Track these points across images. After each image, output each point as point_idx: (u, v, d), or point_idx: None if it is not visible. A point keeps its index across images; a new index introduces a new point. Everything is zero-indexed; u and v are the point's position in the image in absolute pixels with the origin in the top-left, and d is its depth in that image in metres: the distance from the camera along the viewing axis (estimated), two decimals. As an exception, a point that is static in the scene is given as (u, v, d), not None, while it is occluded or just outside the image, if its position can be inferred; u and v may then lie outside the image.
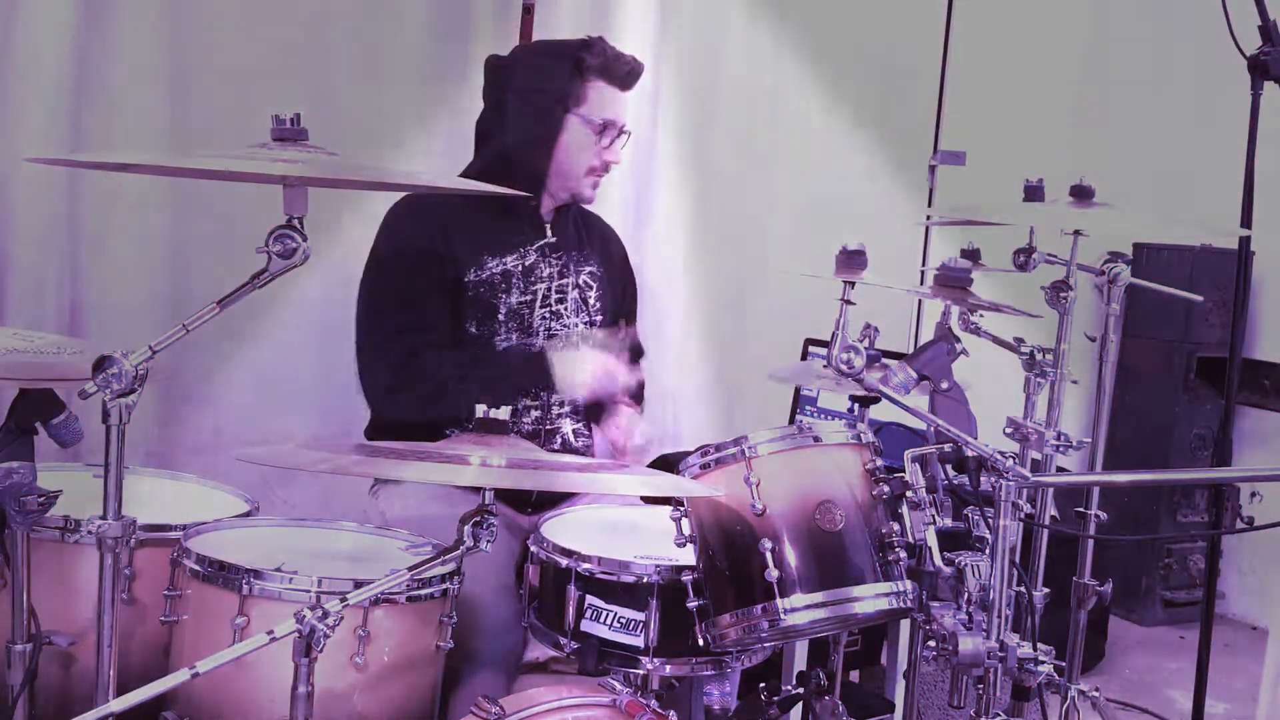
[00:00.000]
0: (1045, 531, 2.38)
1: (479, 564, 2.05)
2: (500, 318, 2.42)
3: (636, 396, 2.73)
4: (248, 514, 2.14)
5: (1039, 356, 2.25)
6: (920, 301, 4.20)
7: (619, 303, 2.67)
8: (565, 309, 2.49)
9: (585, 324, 2.52)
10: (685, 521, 1.88)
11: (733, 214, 4.01)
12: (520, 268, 2.45)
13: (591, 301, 2.54)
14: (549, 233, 2.51)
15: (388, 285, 2.42)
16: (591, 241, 2.62)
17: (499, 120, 2.51)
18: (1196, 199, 3.76)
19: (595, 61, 2.46)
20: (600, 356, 2.46)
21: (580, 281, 2.54)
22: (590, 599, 1.94)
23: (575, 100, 2.45)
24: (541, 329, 2.46)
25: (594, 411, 2.60)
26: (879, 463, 1.87)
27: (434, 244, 2.41)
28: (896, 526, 1.82)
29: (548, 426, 2.46)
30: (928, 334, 2.05)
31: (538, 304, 2.46)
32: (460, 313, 2.41)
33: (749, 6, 3.98)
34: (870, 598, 1.79)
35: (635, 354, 2.80)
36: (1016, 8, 4.63)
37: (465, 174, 2.51)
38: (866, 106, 4.26)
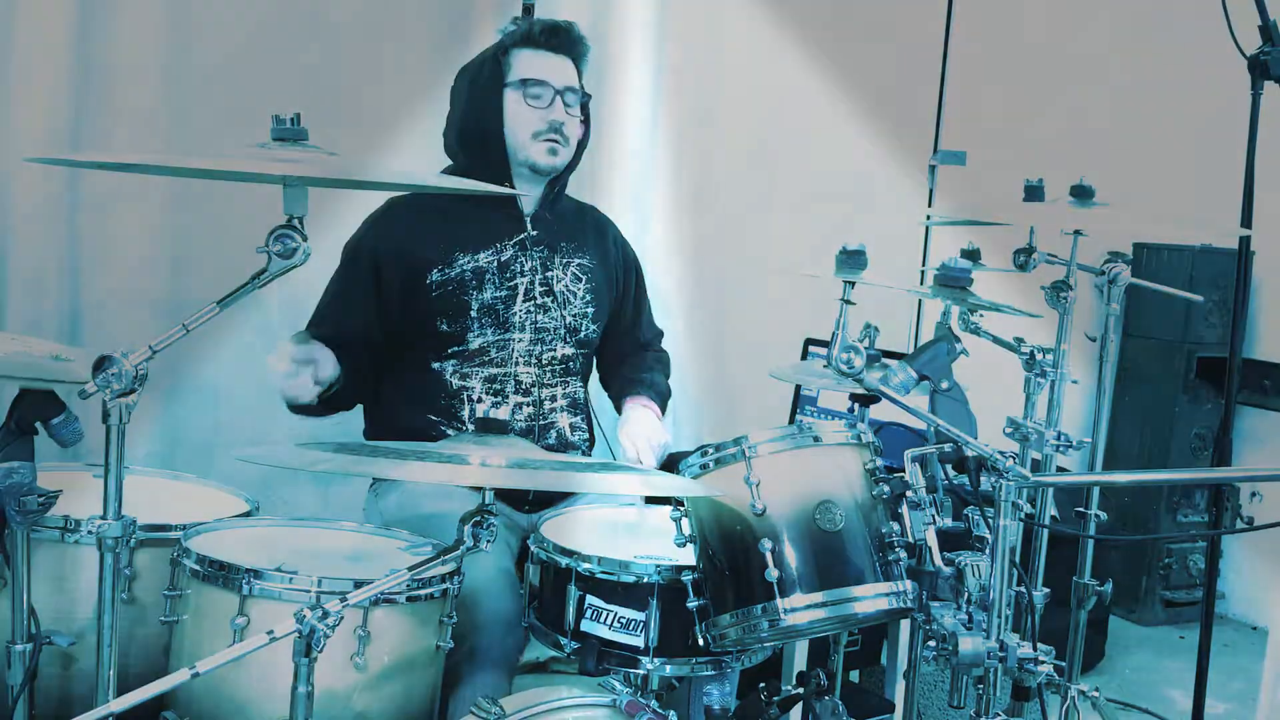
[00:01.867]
0: (1045, 531, 2.38)
1: (479, 563, 2.05)
2: (472, 314, 2.41)
3: (661, 386, 2.70)
4: (248, 514, 2.14)
5: (1039, 356, 2.25)
6: (920, 301, 4.20)
7: (618, 294, 2.66)
8: (552, 302, 2.49)
9: (574, 317, 2.52)
10: (685, 521, 1.88)
11: (733, 214, 4.01)
12: (495, 263, 2.45)
13: (580, 294, 2.54)
14: (529, 226, 2.50)
15: (340, 289, 2.45)
16: (584, 234, 2.61)
17: (457, 119, 2.52)
18: (1196, 199, 3.76)
19: (515, 31, 2.49)
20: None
21: (569, 274, 2.53)
22: (590, 599, 1.94)
23: (505, 74, 2.46)
24: (527, 324, 2.45)
25: (616, 405, 2.60)
26: (879, 463, 1.87)
27: (400, 244, 2.42)
28: (896, 526, 1.82)
29: (541, 422, 2.46)
30: (928, 334, 2.05)
31: (518, 298, 2.45)
32: (428, 312, 2.41)
33: (749, 6, 3.98)
34: (870, 598, 1.79)
35: (650, 340, 2.80)
36: (1016, 7, 4.63)
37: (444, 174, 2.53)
38: (867, 106, 4.25)
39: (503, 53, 2.49)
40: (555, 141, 2.47)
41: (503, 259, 2.45)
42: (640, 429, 2.47)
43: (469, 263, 2.43)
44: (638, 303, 2.74)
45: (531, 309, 2.46)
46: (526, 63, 2.47)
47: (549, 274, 2.49)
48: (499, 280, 2.44)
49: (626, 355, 2.69)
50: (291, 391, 2.20)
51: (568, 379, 2.51)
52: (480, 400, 2.40)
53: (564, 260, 2.53)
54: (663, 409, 2.61)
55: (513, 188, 2.48)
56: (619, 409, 2.59)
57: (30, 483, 1.56)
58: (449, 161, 2.58)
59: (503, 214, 2.48)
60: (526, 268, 2.47)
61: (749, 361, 4.00)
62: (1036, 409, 2.28)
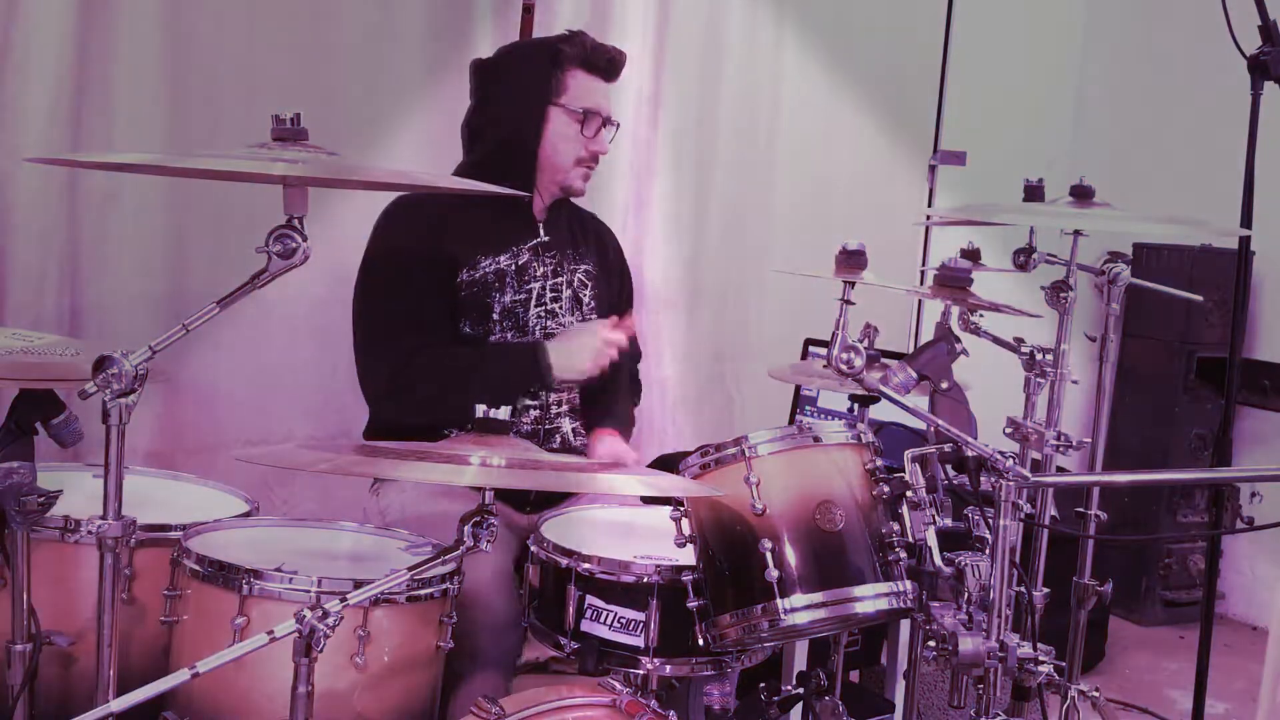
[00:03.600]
0: (1045, 531, 2.38)
1: (479, 563, 2.05)
2: (494, 317, 2.42)
3: (628, 418, 2.71)
4: (248, 514, 2.14)
5: (1039, 356, 2.25)
6: (920, 301, 4.21)
7: (615, 301, 2.67)
8: (560, 307, 2.49)
9: (580, 322, 2.52)
10: (685, 521, 1.88)
11: (733, 214, 4.01)
12: (514, 267, 2.45)
13: (586, 300, 2.55)
14: (542, 231, 2.51)
15: (382, 286, 2.43)
16: (586, 240, 2.62)
17: (485, 118, 2.52)
18: (1196, 199, 3.77)
19: (573, 52, 2.49)
20: (593, 329, 2.45)
21: (575, 280, 2.54)
22: (590, 599, 1.94)
23: (556, 92, 2.47)
24: (537, 328, 2.46)
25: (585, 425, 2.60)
26: (879, 463, 1.87)
27: (427, 243, 2.42)
28: (896, 526, 1.82)
29: (547, 426, 2.46)
30: (928, 334, 2.05)
31: (532, 303, 2.46)
32: (455, 312, 2.41)
33: (749, 6, 3.98)
34: (870, 598, 1.79)
35: (633, 356, 2.80)
36: (1016, 7, 4.63)
37: (455, 173, 2.52)
38: (867, 106, 4.26)
39: (556, 67, 2.47)
40: (592, 168, 2.51)
41: (520, 262, 2.46)
42: (615, 449, 2.51)
43: (491, 265, 2.43)
44: (626, 311, 2.74)
45: (542, 314, 2.47)
46: (584, 88, 2.48)
47: (559, 279, 2.50)
48: (517, 284, 2.45)
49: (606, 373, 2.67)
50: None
51: (572, 384, 2.51)
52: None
53: (572, 266, 2.54)
54: (628, 437, 2.64)
55: (530, 200, 2.48)
56: (587, 427, 2.58)
57: (30, 483, 1.56)
58: (452, 161, 2.58)
59: (518, 218, 2.49)
60: (539, 272, 2.48)
61: (749, 361, 4.00)
62: (1036, 409, 2.28)
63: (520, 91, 2.48)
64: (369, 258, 2.45)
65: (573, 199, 2.63)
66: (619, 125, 2.57)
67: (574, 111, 2.46)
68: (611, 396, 2.66)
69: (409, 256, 2.42)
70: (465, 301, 2.41)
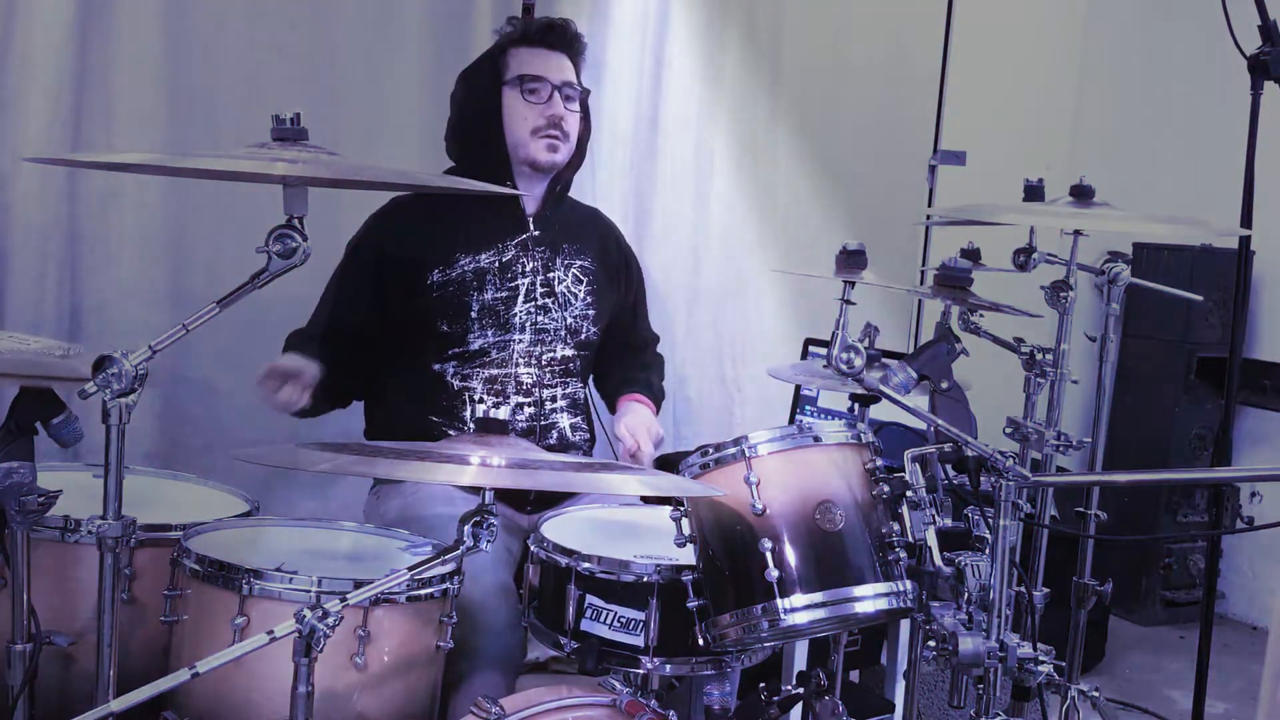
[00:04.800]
0: (1045, 531, 2.38)
1: (479, 563, 2.05)
2: (473, 315, 2.42)
3: (656, 387, 2.72)
4: (248, 514, 2.14)
5: (1039, 356, 2.25)
6: (920, 301, 4.21)
7: (618, 298, 2.66)
8: (553, 303, 2.49)
9: (574, 319, 2.52)
10: (685, 521, 1.88)
11: (733, 214, 4.01)
12: (497, 263, 2.45)
13: (581, 296, 2.54)
14: (532, 226, 2.50)
15: (347, 282, 2.46)
16: (584, 236, 2.61)
17: (452, 125, 2.55)
18: (1196, 199, 3.77)
19: (511, 32, 2.52)
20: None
21: (570, 276, 2.53)
22: (590, 599, 1.94)
23: (502, 73, 2.48)
24: (528, 324, 2.46)
25: (610, 404, 2.61)
26: (879, 463, 1.87)
27: (401, 244, 2.43)
28: (896, 526, 1.82)
29: (543, 422, 2.46)
30: (928, 334, 2.05)
31: (519, 299, 2.45)
32: (428, 312, 2.41)
33: (749, 5, 3.98)
34: (870, 598, 1.79)
35: (647, 341, 2.80)
36: (1016, 8, 4.63)
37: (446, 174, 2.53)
38: (866, 106, 4.26)
39: (500, 52, 2.50)
40: (555, 138, 2.47)
41: (504, 259, 2.46)
42: (638, 420, 2.49)
43: (470, 263, 2.43)
44: (635, 307, 2.74)
45: (532, 309, 2.46)
46: (523, 60, 2.48)
47: (550, 275, 2.49)
48: (500, 281, 2.44)
49: (621, 357, 2.69)
50: (281, 402, 2.24)
51: (568, 379, 2.51)
52: (481, 401, 2.40)
53: (565, 261, 2.53)
54: (657, 408, 2.62)
55: (514, 187, 2.48)
56: (612, 408, 2.60)
57: (30, 483, 1.56)
58: (451, 162, 2.58)
59: (505, 214, 2.48)
60: (528, 268, 2.47)
61: (749, 361, 4.00)
62: (1036, 409, 2.29)
63: (475, 89, 2.50)
64: (347, 252, 2.49)
65: (575, 199, 2.63)
66: (588, 91, 2.55)
67: (514, 82, 2.46)
68: (631, 367, 2.67)
69: (378, 255, 2.45)
70: (438, 301, 2.41)
